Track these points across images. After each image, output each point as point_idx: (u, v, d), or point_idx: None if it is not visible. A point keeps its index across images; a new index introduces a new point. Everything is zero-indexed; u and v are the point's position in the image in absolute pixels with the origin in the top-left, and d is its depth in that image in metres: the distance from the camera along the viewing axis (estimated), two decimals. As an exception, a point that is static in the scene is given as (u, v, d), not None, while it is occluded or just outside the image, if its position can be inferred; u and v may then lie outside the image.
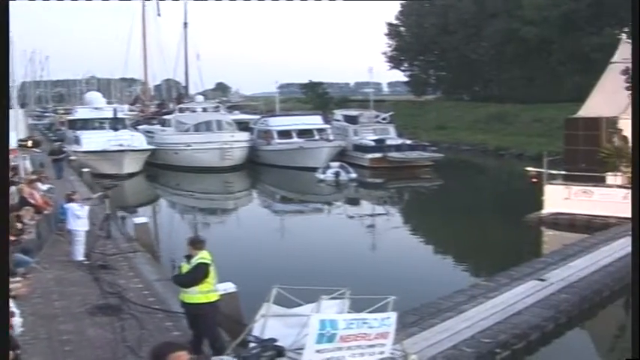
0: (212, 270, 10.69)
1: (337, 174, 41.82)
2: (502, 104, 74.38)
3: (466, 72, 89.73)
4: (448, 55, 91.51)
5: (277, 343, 10.18)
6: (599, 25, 66.99)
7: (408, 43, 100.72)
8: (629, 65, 24.73)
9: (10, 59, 8.47)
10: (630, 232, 20.72)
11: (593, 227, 23.90)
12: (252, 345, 10.32)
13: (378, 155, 47.41)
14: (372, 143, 49.03)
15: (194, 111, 57.76)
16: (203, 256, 10.70)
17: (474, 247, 24.66)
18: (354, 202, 38.18)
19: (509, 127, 65.94)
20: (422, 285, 18.15)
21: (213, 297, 10.74)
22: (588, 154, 25.25)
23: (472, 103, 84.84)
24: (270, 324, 10.66)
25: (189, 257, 10.80)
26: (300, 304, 10.80)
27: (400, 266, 21.21)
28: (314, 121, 54.32)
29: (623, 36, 27.81)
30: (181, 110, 57.55)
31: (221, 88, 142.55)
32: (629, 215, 22.77)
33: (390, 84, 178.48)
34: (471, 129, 69.13)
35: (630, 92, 24.95)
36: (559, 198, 25.49)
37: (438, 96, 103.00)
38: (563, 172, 26.04)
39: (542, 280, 16.43)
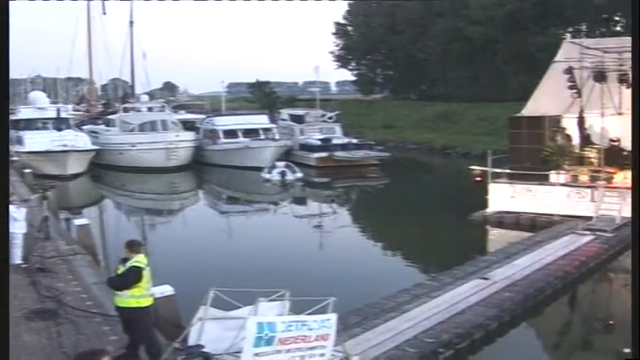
0: (146, 274, 10.42)
1: (283, 173, 41.73)
2: (448, 103, 75.15)
3: (413, 71, 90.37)
4: (395, 54, 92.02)
5: (205, 350, 10.00)
6: (544, 24, 68.04)
7: (356, 42, 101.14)
8: (572, 65, 25.37)
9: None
10: (574, 231, 21.17)
11: (537, 225, 24.21)
12: (179, 353, 10.14)
13: (324, 154, 47.61)
14: (318, 142, 49.17)
15: (139, 111, 57.10)
16: (138, 259, 10.42)
17: (419, 247, 24.74)
18: (300, 201, 38.15)
19: (456, 125, 66.62)
20: (367, 285, 18.10)
21: (145, 302, 10.46)
22: (532, 153, 25.54)
23: (419, 102, 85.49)
24: (208, 327, 10.47)
25: (125, 260, 10.53)
26: (240, 307, 10.62)
27: (346, 266, 21.15)
28: (260, 120, 54.24)
29: (568, 36, 28.27)
30: (126, 110, 56.89)
31: (169, 88, 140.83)
32: (573, 213, 23.33)
33: (339, 83, 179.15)
34: (418, 128, 69.66)
35: (572, 92, 25.65)
36: (504, 196, 25.74)
37: (386, 95, 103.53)
38: (507, 171, 26.28)
39: (485, 278, 16.51)
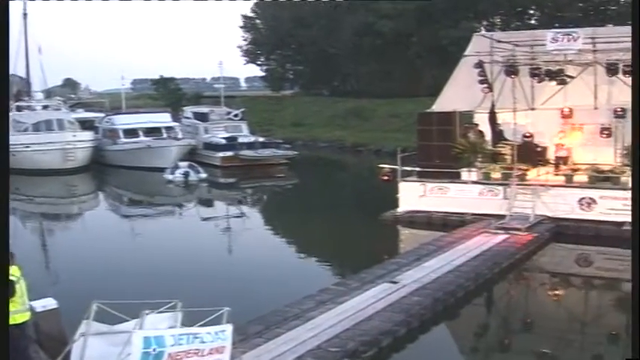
0: (20, 287, 9.79)
1: (186, 174, 41.10)
2: (360, 99, 75.60)
3: (324, 66, 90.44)
4: (306, 49, 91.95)
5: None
6: (456, 18, 69.15)
7: (264, 36, 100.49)
8: (482, 58, 25.68)
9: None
10: (486, 230, 21.40)
11: (449, 225, 24.40)
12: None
13: (229, 154, 47.34)
14: (223, 141, 48.85)
15: (33, 109, 55.24)
16: (11, 272, 9.78)
17: (329, 249, 24.59)
18: (206, 203, 37.75)
19: (367, 122, 67.10)
20: (273, 290, 17.79)
21: (20, 318, 9.85)
22: (442, 150, 25.66)
23: (330, 98, 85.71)
24: (91, 343, 9.91)
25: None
26: (128, 320, 10.13)
27: (253, 271, 20.81)
28: (162, 118, 53.51)
29: (482, 29, 28.59)
30: (19, 108, 54.88)
31: (70, 84, 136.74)
32: (485, 211, 23.64)
33: (248, 79, 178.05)
34: (329, 125, 69.90)
35: (483, 86, 25.97)
36: (414, 195, 25.86)
37: (296, 91, 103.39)
38: (417, 169, 26.41)
39: (394, 282, 16.43)
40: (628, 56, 23.64)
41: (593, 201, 23.14)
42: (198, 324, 10.15)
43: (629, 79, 24.13)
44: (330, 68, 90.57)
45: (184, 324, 10.51)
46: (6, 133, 7.40)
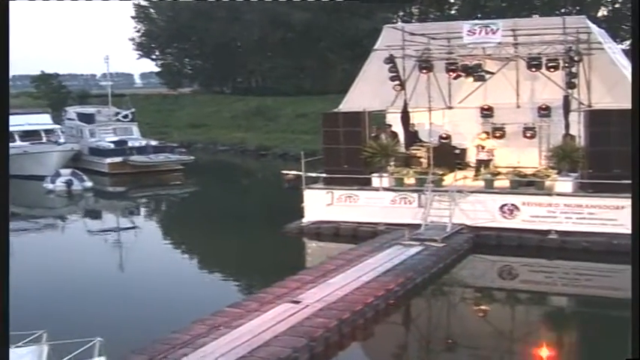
0: None
1: (69, 183, 40.10)
2: (265, 97, 75.40)
3: (226, 61, 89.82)
4: (206, 41, 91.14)
5: None
6: (370, 8, 69.60)
7: (160, 27, 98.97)
8: (393, 53, 25.77)
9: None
10: (399, 241, 21.41)
11: (359, 236, 24.36)
12: None
13: (118, 159, 46.71)
14: (112, 146, 48.10)
15: None
16: None
17: (227, 265, 24.25)
18: (92, 215, 36.98)
19: (272, 123, 66.98)
20: (162, 313, 17.44)
21: None
22: (351, 154, 25.60)
23: (232, 96, 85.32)
24: None
25: None
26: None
27: (142, 291, 20.39)
28: (41, 120, 52.09)
29: (399, 21, 28.68)
30: None
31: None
32: (399, 221, 23.71)
33: (144, 75, 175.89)
34: (230, 126, 69.46)
35: (395, 83, 26.08)
36: (321, 204, 25.79)
37: (195, 89, 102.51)
38: (323, 175, 26.33)
39: (296, 302, 16.19)
40: (551, 49, 24.16)
41: (516, 208, 23.42)
42: (66, 358, 9.75)
43: (553, 74, 24.71)
44: (233, 63, 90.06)
45: (51, 359, 10.08)
46: (6, 133, 7.89)
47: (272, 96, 75.01)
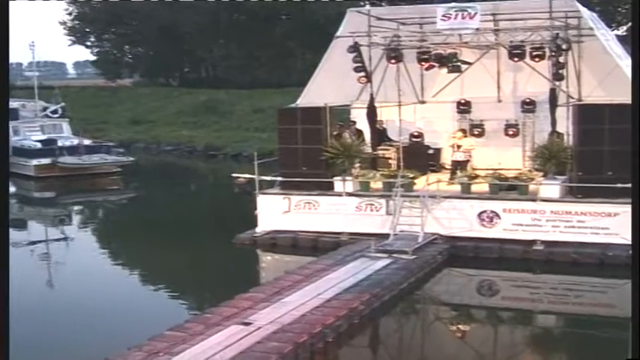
0: None
1: (-14, 188, 39.44)
2: (216, 90, 75.18)
3: (172, 49, 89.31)
4: (148, 26, 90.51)
5: None
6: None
7: (95, 9, 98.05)
8: (358, 40, 25.70)
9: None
10: (365, 253, 21.36)
11: (320, 248, 24.31)
12: None
13: (45, 161, 46.18)
14: (39, 145, 47.61)
15: None
16: None
17: (171, 282, 23.97)
18: (16, 224, 36.25)
19: (224, 119, 66.87)
20: (94, 339, 17.20)
21: None
22: (310, 155, 25.43)
23: (179, 89, 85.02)
24: None
25: None
26: None
27: (72, 314, 20.02)
28: (-47, 117, 51.19)
29: (366, 4, 28.58)
30: None
31: None
32: (364, 230, 23.63)
33: (78, 64, 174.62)
34: (176, 123, 69.34)
35: (360, 75, 26.02)
36: (277, 211, 25.63)
37: (137, 80, 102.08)
38: (279, 179, 26.21)
39: (246, 323, 16.05)
40: (536, 36, 24.23)
41: (496, 215, 23.37)
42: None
43: (539, 65, 24.80)
44: (180, 51, 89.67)
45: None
46: (6, 133, 8.58)
47: (224, 89, 74.77)
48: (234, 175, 27.83)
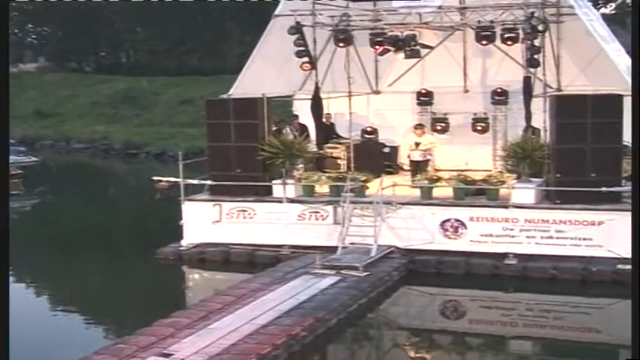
0: None
1: None
2: (137, 78, 74.79)
3: (86, 29, 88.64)
4: (56, 3, 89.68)
5: None
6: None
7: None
8: (300, 20, 25.58)
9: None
10: (309, 270, 21.25)
11: (256, 263, 24.32)
12: None
13: None
14: None
15: None
16: None
17: (78, 304, 23.76)
18: None
19: (146, 112, 66.66)
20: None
21: None
22: (245, 154, 25.34)
23: (94, 76, 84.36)
24: None
25: None
26: None
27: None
28: None
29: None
30: None
31: None
32: (308, 242, 23.51)
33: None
34: (90, 116, 69.05)
35: (303, 61, 25.89)
36: (205, 221, 25.54)
37: (43, 65, 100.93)
38: (209, 182, 26.05)
39: (166, 355, 15.89)
40: (508, 16, 24.27)
41: (462, 224, 23.41)
42: None
43: (511, 49, 24.91)
44: (94, 32, 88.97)
45: None
46: (6, 133, 9.56)
47: (147, 76, 74.38)
48: (155, 178, 27.46)
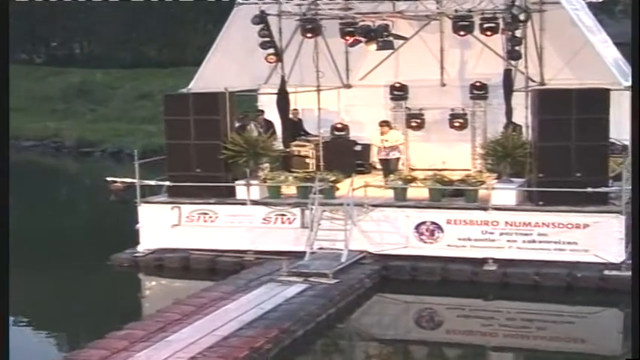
0: None
1: None
2: (92, 70, 74.52)
3: (34, 17, 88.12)
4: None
5: None
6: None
7: None
8: (265, 8, 25.51)
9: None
10: (274, 277, 21.25)
11: (219, 270, 24.29)
12: None
13: None
14: None
15: None
16: None
17: (25, 315, 23.53)
18: None
19: (101, 107, 66.37)
20: None
21: None
22: (205, 153, 25.30)
23: (45, 68, 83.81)
24: None
25: None
26: None
27: None
28: None
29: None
30: None
31: None
32: (274, 247, 23.52)
33: None
34: (40, 112, 68.38)
35: (269, 52, 25.84)
36: (163, 225, 25.49)
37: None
38: (167, 183, 26.02)
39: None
40: (487, 4, 24.28)
41: (438, 228, 23.41)
42: None
43: (491, 40, 24.92)
44: (45, 20, 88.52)
45: None
46: (6, 133, 10.32)
47: (102, 68, 73.96)
48: (109, 179, 27.31)
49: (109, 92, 68.60)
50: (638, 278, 10.24)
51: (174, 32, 75.75)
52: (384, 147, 26.46)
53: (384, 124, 26.91)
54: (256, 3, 25.64)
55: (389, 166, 26.00)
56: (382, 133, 26.59)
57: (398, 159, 26.47)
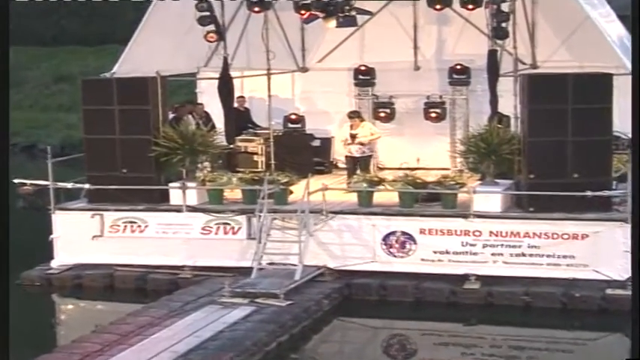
0: None
1: None
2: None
3: None
4: None
5: None
6: None
7: None
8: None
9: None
10: (215, 298, 21.18)
11: (149, 290, 24.27)
12: None
13: None
14: None
15: None
16: None
17: None
18: None
19: (12, 91, 65.50)
20: None
21: None
22: (133, 150, 25.27)
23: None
24: None
25: None
26: None
27: None
28: None
29: None
30: None
31: None
32: (215, 263, 23.54)
33: None
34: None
35: (209, 31, 25.73)
36: (83, 236, 25.37)
37: None
38: (86, 186, 25.83)
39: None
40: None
41: (410, 239, 23.40)
42: None
43: (473, 15, 24.99)
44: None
45: None
46: (6, 133, 11.58)
47: (14, 45, 73.44)
48: (16, 180, 27.05)
49: (22, 74, 68.18)
50: (638, 278, 10.98)
51: (103, 5, 75.68)
52: (354, 143, 26.23)
53: (354, 115, 26.75)
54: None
55: (359, 167, 25.80)
56: (352, 127, 26.39)
57: (370, 157, 26.30)
